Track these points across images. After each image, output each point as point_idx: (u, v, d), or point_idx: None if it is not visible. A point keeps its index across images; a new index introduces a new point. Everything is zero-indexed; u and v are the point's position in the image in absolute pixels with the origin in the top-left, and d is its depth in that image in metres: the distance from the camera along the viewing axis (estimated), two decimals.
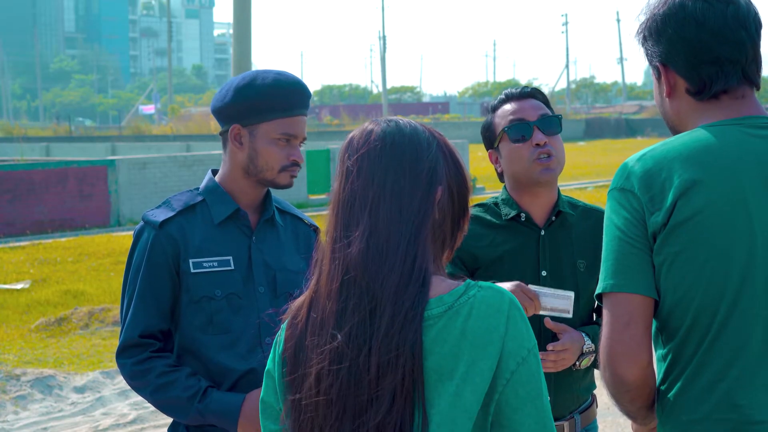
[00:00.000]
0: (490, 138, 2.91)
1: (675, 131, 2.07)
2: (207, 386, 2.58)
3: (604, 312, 1.92)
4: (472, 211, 2.83)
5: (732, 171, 1.89)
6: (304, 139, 2.73)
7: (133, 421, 6.52)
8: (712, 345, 1.89)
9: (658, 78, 2.06)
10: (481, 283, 1.68)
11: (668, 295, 1.90)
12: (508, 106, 2.88)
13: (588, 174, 28.07)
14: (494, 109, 2.92)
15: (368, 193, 1.68)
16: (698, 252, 1.87)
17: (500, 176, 2.95)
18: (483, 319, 1.62)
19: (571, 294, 2.65)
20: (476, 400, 1.60)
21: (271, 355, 1.79)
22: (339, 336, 1.64)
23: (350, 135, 1.77)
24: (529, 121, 2.82)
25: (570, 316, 2.65)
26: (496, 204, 2.91)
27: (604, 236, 1.96)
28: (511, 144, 2.83)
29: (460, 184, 1.75)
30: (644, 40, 2.06)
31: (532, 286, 2.63)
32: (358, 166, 1.71)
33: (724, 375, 1.88)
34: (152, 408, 6.74)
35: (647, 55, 2.06)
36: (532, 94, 2.91)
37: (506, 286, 2.58)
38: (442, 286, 1.66)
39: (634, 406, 1.97)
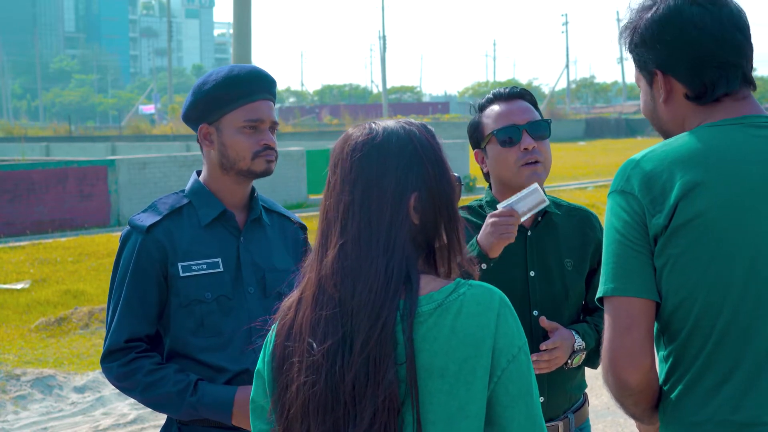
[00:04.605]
0: (477, 138, 2.89)
1: (667, 135, 2.05)
2: (197, 380, 2.58)
3: (606, 316, 1.92)
4: None
5: (734, 172, 1.88)
6: (275, 123, 2.71)
7: (133, 421, 6.51)
8: (716, 347, 1.88)
9: (650, 83, 2.04)
10: (471, 281, 1.69)
11: (670, 297, 1.90)
12: (496, 107, 2.86)
13: (588, 174, 28.06)
14: (481, 108, 2.90)
15: (339, 206, 1.71)
16: (701, 254, 1.86)
17: (486, 176, 2.94)
18: (473, 316, 1.63)
19: (534, 185, 2.63)
20: (473, 398, 1.61)
21: (261, 355, 1.81)
22: (315, 345, 1.66)
23: (335, 143, 1.79)
24: (518, 124, 2.79)
25: (547, 203, 2.62)
26: (480, 206, 2.89)
27: (604, 239, 1.95)
28: (498, 147, 2.81)
29: (442, 183, 1.74)
30: (635, 47, 2.02)
31: (500, 205, 2.63)
32: (334, 178, 1.75)
33: (729, 377, 1.87)
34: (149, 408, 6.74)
35: (638, 60, 2.03)
36: (520, 94, 2.88)
37: (487, 223, 2.62)
38: (432, 284, 1.68)
39: (639, 408, 1.97)
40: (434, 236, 1.73)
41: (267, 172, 2.71)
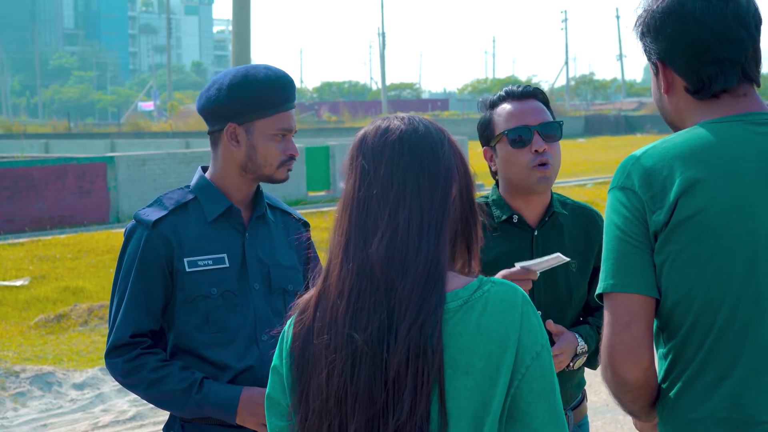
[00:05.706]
0: (487, 136, 2.87)
1: (674, 127, 2.06)
2: (202, 377, 2.58)
3: (605, 312, 1.91)
4: None
5: (734, 169, 1.88)
6: (295, 131, 2.73)
7: (132, 418, 6.52)
8: (715, 344, 1.88)
9: (656, 74, 2.04)
10: (494, 279, 1.70)
11: (670, 293, 1.89)
12: (508, 105, 2.83)
13: (587, 171, 28.06)
14: (493, 105, 2.87)
15: (388, 195, 1.69)
16: (701, 250, 1.86)
17: (493, 174, 2.92)
18: (498, 314, 1.64)
19: (557, 254, 2.53)
20: (495, 394, 1.62)
21: (277, 351, 1.79)
22: (356, 336, 1.65)
23: (362, 132, 1.77)
24: (530, 125, 2.77)
25: (568, 259, 2.55)
26: (486, 205, 2.87)
27: (604, 235, 1.95)
28: (509, 147, 2.79)
29: (467, 179, 1.78)
30: (642, 36, 2.03)
31: (518, 264, 2.52)
32: (375, 167, 1.71)
33: (728, 374, 1.87)
34: (152, 405, 6.74)
35: (645, 50, 2.04)
36: (533, 93, 2.85)
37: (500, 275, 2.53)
38: (456, 282, 1.68)
39: (637, 405, 1.97)
40: (458, 229, 1.75)
41: (285, 181, 2.74)
